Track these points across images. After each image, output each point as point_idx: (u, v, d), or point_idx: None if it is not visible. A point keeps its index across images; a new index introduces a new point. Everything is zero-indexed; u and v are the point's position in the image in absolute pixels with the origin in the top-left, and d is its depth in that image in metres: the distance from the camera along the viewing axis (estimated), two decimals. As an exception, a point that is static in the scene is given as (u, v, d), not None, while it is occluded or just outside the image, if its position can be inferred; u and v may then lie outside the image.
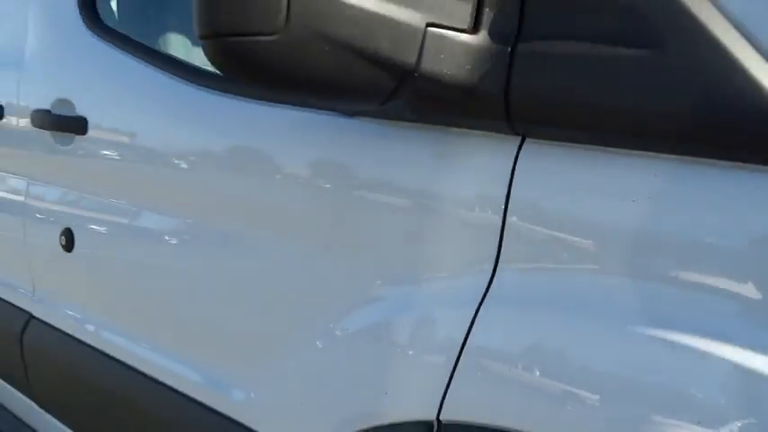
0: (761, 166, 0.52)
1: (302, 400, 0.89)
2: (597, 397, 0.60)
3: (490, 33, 0.63)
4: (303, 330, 0.88)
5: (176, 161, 1.13)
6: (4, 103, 1.48)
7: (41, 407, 1.56)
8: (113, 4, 1.34)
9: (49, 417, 1.54)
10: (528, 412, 0.64)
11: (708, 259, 0.56)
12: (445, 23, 0.62)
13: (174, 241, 1.18)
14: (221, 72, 0.63)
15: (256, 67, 0.59)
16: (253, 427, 0.97)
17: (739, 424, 0.51)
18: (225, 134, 0.98)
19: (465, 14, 0.62)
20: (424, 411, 0.71)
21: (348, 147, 0.81)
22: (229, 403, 1.01)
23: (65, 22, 1.33)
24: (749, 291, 0.54)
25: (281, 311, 0.93)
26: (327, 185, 0.86)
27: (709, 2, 0.54)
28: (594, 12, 0.59)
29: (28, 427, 1.75)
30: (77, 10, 1.30)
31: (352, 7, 0.57)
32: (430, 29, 0.61)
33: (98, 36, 1.26)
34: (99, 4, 1.29)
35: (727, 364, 0.53)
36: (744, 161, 0.53)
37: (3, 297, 1.65)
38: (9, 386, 1.72)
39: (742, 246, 0.55)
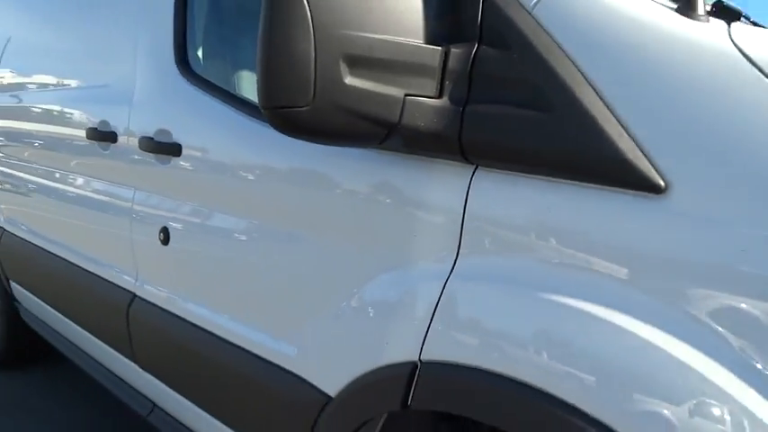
0: (610, 187, 0.83)
1: (333, 352, 1.23)
2: (518, 335, 0.91)
3: (449, 99, 0.95)
4: (332, 304, 1.22)
5: (245, 176, 1.50)
6: (118, 131, 1.91)
7: (142, 368, 1.97)
8: (201, 58, 1.72)
9: (148, 375, 1.95)
10: (475, 351, 0.96)
11: (581, 247, 0.86)
12: (419, 93, 0.94)
13: (243, 237, 1.54)
14: (277, 131, 0.97)
15: (297, 127, 0.94)
16: (300, 374, 1.31)
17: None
18: (279, 159, 1.34)
19: (432, 87, 0.95)
20: (411, 354, 1.04)
21: (363, 171, 1.15)
22: (282, 356, 1.36)
23: (164, 70, 1.73)
24: (606, 271, 0.84)
25: (318, 292, 1.27)
26: (350, 199, 1.20)
27: (586, 84, 0.84)
28: (513, 87, 0.90)
29: (129, 385, 2.18)
30: (174, 61, 1.70)
31: (355, 88, 0.91)
32: (408, 97, 0.94)
33: (189, 81, 1.65)
34: (190, 58, 1.69)
35: (587, 315, 0.83)
36: (600, 183, 0.84)
37: (112, 281, 2.08)
38: (115, 352, 2.15)
39: (598, 240, 0.85)
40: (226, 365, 1.55)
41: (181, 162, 1.65)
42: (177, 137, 1.65)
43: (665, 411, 0.75)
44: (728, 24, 0.85)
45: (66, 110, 2.35)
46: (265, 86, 0.94)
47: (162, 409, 1.97)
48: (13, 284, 3.09)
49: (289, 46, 0.89)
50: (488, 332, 0.96)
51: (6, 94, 3.02)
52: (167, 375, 1.84)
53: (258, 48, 0.93)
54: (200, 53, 1.72)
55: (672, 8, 0.85)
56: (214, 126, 1.56)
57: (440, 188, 1.02)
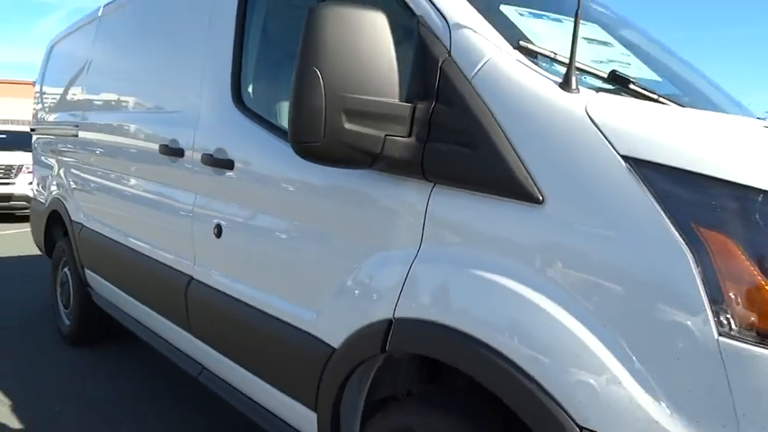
0: (511, 199, 1.27)
1: (337, 316, 1.69)
2: (455, 299, 1.36)
3: (415, 138, 1.41)
4: (339, 281, 1.68)
5: (280, 186, 1.98)
6: (185, 148, 2.43)
7: (195, 336, 2.46)
8: (251, 95, 2.22)
9: (200, 343, 2.44)
10: (429, 309, 1.40)
11: (494, 238, 1.30)
12: (395, 134, 1.41)
13: (278, 233, 2.01)
14: (300, 157, 1.45)
15: (312, 156, 1.41)
16: (316, 334, 1.77)
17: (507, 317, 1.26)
18: (304, 175, 1.81)
19: (404, 130, 1.41)
20: (388, 313, 1.49)
21: (359, 185, 1.61)
22: (303, 321, 1.83)
23: (223, 103, 2.24)
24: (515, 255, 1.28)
25: (330, 272, 1.73)
26: (350, 205, 1.67)
27: (500, 132, 1.29)
28: (455, 131, 1.36)
29: (183, 352, 2.68)
30: (230, 96, 2.21)
31: (351, 130, 1.38)
32: (387, 137, 1.40)
33: (241, 112, 2.15)
34: (242, 94, 2.19)
35: (495, 283, 1.27)
36: (505, 197, 1.28)
37: (173, 266, 2.59)
38: (173, 324, 2.65)
39: (504, 234, 1.29)
40: (262, 330, 2.02)
41: (233, 174, 2.15)
42: (231, 154, 2.15)
43: (543, 347, 1.19)
44: (597, 92, 1.29)
45: (143, 129, 2.91)
46: (293, 127, 1.42)
47: (209, 371, 2.47)
48: (88, 272, 3.67)
49: (308, 102, 1.37)
50: (437, 297, 1.41)
51: (90, 113, 3.62)
52: (216, 341, 2.32)
53: (289, 101, 1.42)
54: (250, 91, 2.22)
55: (557, 83, 1.29)
56: (259, 148, 2.05)
57: (410, 198, 1.48)
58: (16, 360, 3.72)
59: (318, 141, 1.38)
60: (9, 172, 10.04)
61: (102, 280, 3.45)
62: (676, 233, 1.05)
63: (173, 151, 2.49)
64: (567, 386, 1.14)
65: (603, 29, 1.89)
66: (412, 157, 1.42)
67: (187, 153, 2.41)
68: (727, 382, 0.99)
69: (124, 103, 3.29)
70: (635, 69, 1.69)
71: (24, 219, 9.98)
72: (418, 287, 1.45)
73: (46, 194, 4.43)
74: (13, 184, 9.98)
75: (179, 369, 2.69)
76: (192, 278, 2.44)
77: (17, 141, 11.39)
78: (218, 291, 2.26)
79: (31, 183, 9.84)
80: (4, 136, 11.73)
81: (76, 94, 3.92)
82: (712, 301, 1.01)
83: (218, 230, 2.23)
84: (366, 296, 1.59)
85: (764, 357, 0.97)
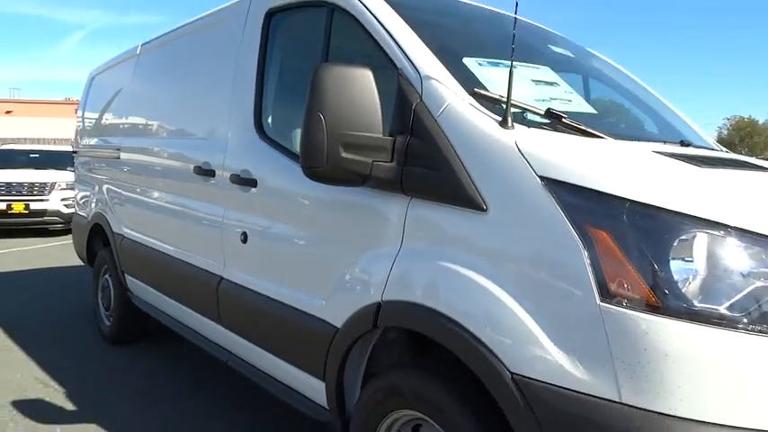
0: (464, 208, 1.71)
1: (341, 302, 2.13)
2: (424, 283, 1.80)
3: (396, 163, 1.86)
4: (342, 274, 2.13)
5: (294, 201, 2.43)
6: (216, 169, 2.90)
7: (225, 327, 2.92)
8: (270, 125, 2.68)
9: (230, 333, 2.89)
10: (407, 293, 1.84)
11: (452, 237, 1.75)
12: (380, 160, 1.86)
13: (294, 238, 2.46)
14: (308, 178, 1.91)
15: (318, 177, 1.87)
16: (323, 317, 2.22)
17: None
18: (313, 192, 2.27)
19: (387, 157, 1.87)
20: (378, 297, 1.94)
21: (354, 199, 2.07)
22: (314, 308, 2.27)
23: (247, 131, 2.71)
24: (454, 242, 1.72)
25: (336, 267, 2.17)
26: (350, 214, 2.12)
27: (456, 158, 1.73)
28: (424, 158, 1.81)
29: (215, 343, 3.13)
30: (253, 125, 2.68)
31: (347, 158, 1.83)
32: (374, 162, 1.86)
33: (262, 139, 2.63)
34: (263, 124, 2.66)
35: (453, 270, 1.71)
36: (460, 206, 1.72)
37: (206, 269, 3.05)
38: (205, 318, 3.11)
39: (459, 234, 1.73)
40: (281, 317, 2.47)
41: (256, 191, 2.62)
42: (255, 174, 2.62)
43: (483, 314, 1.62)
44: (528, 128, 1.73)
45: (178, 152, 3.40)
46: (303, 156, 1.87)
47: (236, 356, 2.92)
48: (128, 277, 4.17)
49: (315, 137, 1.83)
50: (413, 283, 1.85)
51: (131, 138, 4.14)
52: (242, 329, 2.78)
53: (300, 136, 1.88)
54: (269, 122, 2.69)
55: (497, 121, 1.73)
56: (277, 169, 2.52)
57: (393, 209, 1.93)
58: (64, 357, 4.21)
59: (322, 166, 1.84)
60: (43, 189, 10.65)
61: (141, 283, 3.94)
62: (574, 232, 1.49)
63: (205, 172, 2.97)
64: (502, 343, 1.57)
65: (555, 70, 2.33)
66: (393, 178, 1.87)
67: (218, 173, 2.89)
68: (605, 334, 1.41)
69: (161, 130, 3.79)
70: (575, 105, 2.13)
71: (57, 233, 10.66)
72: (400, 277, 1.89)
73: (88, 210, 4.96)
74: (47, 200, 10.60)
75: (207, 361, 3.14)
76: (222, 278, 2.90)
77: (50, 160, 12.10)
78: (244, 287, 2.72)
79: (63, 199, 10.57)
80: (38, 155, 12.42)
81: (117, 120, 4.45)
82: (596, 278, 1.44)
83: (244, 237, 2.70)
84: (361, 285, 2.03)
85: (631, 316, 1.39)
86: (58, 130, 42.39)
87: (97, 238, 4.84)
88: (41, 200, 10.56)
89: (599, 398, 1.41)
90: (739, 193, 1.62)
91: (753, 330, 1.35)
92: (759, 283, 1.39)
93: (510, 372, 1.55)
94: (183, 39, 3.65)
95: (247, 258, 2.72)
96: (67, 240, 10.00)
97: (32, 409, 3.33)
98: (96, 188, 4.79)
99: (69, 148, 13.18)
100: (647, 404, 1.36)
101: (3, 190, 10.39)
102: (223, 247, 2.89)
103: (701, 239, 1.41)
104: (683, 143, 2.29)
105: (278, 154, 2.51)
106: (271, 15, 2.73)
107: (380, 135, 1.86)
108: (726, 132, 65.42)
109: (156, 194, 3.72)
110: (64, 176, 11.03)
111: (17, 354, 4.26)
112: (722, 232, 1.41)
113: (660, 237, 1.42)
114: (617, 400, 1.39)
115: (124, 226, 4.17)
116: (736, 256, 1.41)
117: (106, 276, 4.62)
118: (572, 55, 2.74)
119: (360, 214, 2.07)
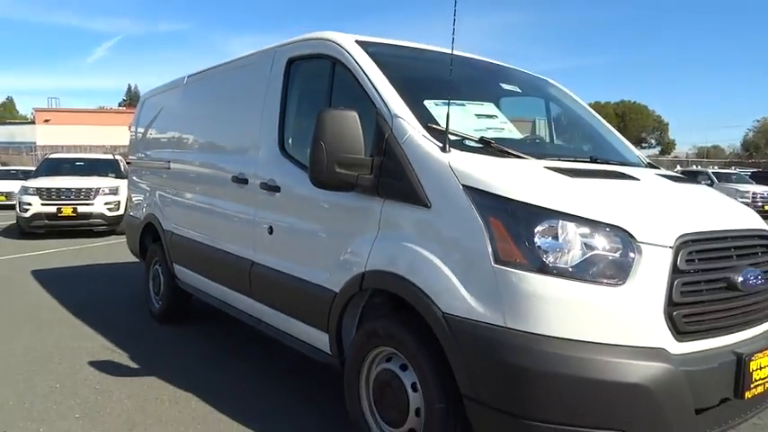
0: (415, 205, 2.57)
1: (339, 273, 2.98)
2: (391, 257, 2.65)
3: (373, 175, 2.73)
4: (341, 254, 2.98)
5: (307, 201, 3.29)
6: (249, 178, 3.79)
7: (256, 300, 3.80)
8: (290, 145, 3.55)
9: (259, 304, 3.77)
10: (382, 263, 2.70)
11: (407, 226, 2.60)
12: (363, 174, 2.72)
13: (307, 230, 3.32)
14: (314, 186, 2.78)
15: (321, 185, 2.75)
16: (327, 286, 3.07)
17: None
18: (320, 195, 3.12)
19: (368, 171, 2.73)
20: (362, 268, 2.79)
21: (346, 201, 2.92)
22: (321, 280, 3.12)
23: (273, 148, 3.59)
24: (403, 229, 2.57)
25: (336, 250, 3.02)
26: (344, 212, 2.98)
27: (412, 171, 2.59)
28: (392, 172, 2.66)
29: (247, 313, 4.02)
30: (277, 144, 3.56)
31: (340, 172, 2.70)
32: (359, 175, 2.72)
33: (284, 156, 3.51)
34: (285, 144, 3.54)
35: (407, 247, 2.57)
36: (414, 204, 2.58)
37: (240, 255, 3.93)
38: (240, 294, 3.99)
39: (411, 223, 2.58)
40: (298, 288, 3.32)
41: (279, 195, 3.49)
42: (279, 182, 3.50)
43: (424, 274, 2.46)
44: (461, 151, 2.57)
45: (218, 164, 4.31)
46: (310, 170, 2.75)
47: (264, 321, 3.80)
48: (175, 266, 5.09)
49: (318, 158, 2.69)
50: (385, 257, 2.69)
51: (179, 152, 5.07)
52: (269, 300, 3.65)
53: (309, 156, 2.75)
54: (290, 142, 3.56)
55: (440, 147, 2.57)
56: (294, 178, 3.39)
57: (373, 207, 2.78)
58: (123, 331, 5.14)
59: (323, 178, 2.70)
60: (89, 194, 11.74)
61: (187, 270, 4.86)
62: (480, 221, 2.32)
63: (240, 180, 3.86)
64: (437, 294, 2.40)
65: (497, 105, 3.16)
66: (372, 186, 2.72)
67: (250, 181, 3.78)
68: (497, 285, 2.24)
69: (204, 146, 4.72)
70: (506, 132, 2.96)
71: (101, 234, 11.77)
72: (376, 254, 2.74)
73: (140, 212, 5.92)
74: (92, 204, 11.68)
75: (236, 336, 3.99)
76: (253, 262, 3.78)
77: (94, 168, 13.26)
78: (270, 268, 3.59)
79: (106, 203, 11.66)
80: (82, 163, 13.56)
81: (167, 137, 5.40)
82: (492, 250, 2.26)
83: (270, 230, 3.58)
84: (352, 262, 2.88)
85: (512, 273, 2.21)
86: (93, 138, 44.40)
87: (148, 235, 5.78)
88: (87, 204, 11.64)
89: (493, 324, 2.24)
90: (588, 193, 2.43)
91: (587, 280, 2.18)
92: (591, 252, 2.21)
93: (442, 311, 2.38)
94: (223, 74, 4.57)
95: (272, 246, 3.60)
96: (111, 240, 11.15)
97: (104, 367, 4.24)
98: (148, 193, 5.75)
99: (110, 157, 14.44)
100: (519, 326, 2.19)
101: (53, 195, 11.52)
102: (254, 238, 3.77)
103: (556, 224, 2.24)
104: (592, 159, 3.10)
105: (294, 167, 3.38)
106: (291, 62, 3.61)
107: (363, 156, 2.71)
108: (751, 135, 64.86)
109: (199, 198, 4.63)
110: (106, 182, 12.16)
111: (87, 329, 5.22)
112: (570, 219, 2.24)
113: (529, 222, 2.25)
114: (502, 325, 2.22)
115: (173, 224, 5.10)
116: (578, 234, 2.23)
117: (156, 266, 5.55)
118: (519, 90, 3.57)
119: (350, 211, 2.94)
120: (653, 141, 66.60)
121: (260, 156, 3.74)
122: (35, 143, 47.93)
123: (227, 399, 3.68)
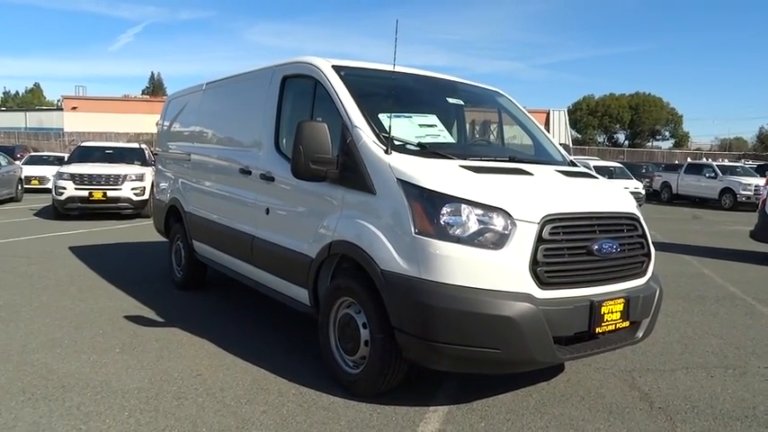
0: (366, 193, 3.54)
1: (315, 243, 3.95)
2: (349, 231, 3.63)
3: (337, 169, 3.70)
4: (318, 228, 3.96)
5: (293, 188, 4.26)
6: (252, 170, 4.80)
7: (256, 267, 4.80)
8: (283, 145, 4.52)
9: (258, 270, 4.78)
10: (344, 234, 3.67)
11: (361, 207, 3.57)
12: (331, 169, 3.70)
13: (294, 211, 4.30)
14: (295, 177, 3.76)
15: (300, 177, 3.74)
16: (307, 253, 4.05)
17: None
18: (301, 184, 4.08)
19: (334, 167, 3.71)
20: (331, 238, 3.77)
21: (319, 189, 3.89)
22: (303, 248, 4.10)
23: (271, 147, 4.57)
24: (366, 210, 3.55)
25: (313, 225, 3.99)
26: (316, 197, 3.96)
27: (365, 166, 3.56)
28: (350, 167, 3.64)
29: (248, 277, 5.03)
30: (273, 144, 4.54)
31: (313, 167, 3.68)
32: (328, 170, 3.70)
33: (278, 153, 4.49)
34: (279, 144, 4.52)
35: (360, 223, 3.54)
36: (364, 192, 3.55)
37: (243, 230, 4.94)
38: (243, 263, 5.00)
39: (359, 204, 3.55)
40: (286, 256, 4.30)
41: (275, 183, 4.48)
42: (274, 174, 4.48)
43: (368, 240, 3.43)
44: (400, 153, 3.53)
45: (230, 158, 5.32)
46: (292, 166, 3.73)
47: (261, 283, 4.81)
48: (194, 241, 6.13)
49: (297, 157, 3.67)
50: (344, 230, 3.66)
51: (198, 145, 6.10)
52: (266, 266, 4.65)
53: (291, 155, 3.73)
54: (283, 143, 4.54)
55: (384, 150, 3.52)
56: (285, 171, 4.34)
57: (338, 194, 3.75)
58: (150, 295, 6.20)
59: (301, 172, 3.68)
60: (117, 180, 12.86)
61: (203, 245, 5.89)
62: (407, 204, 3.27)
63: (246, 171, 4.86)
64: (377, 256, 3.36)
65: (439, 116, 4.10)
66: (337, 178, 3.68)
67: (253, 173, 4.77)
68: (416, 248, 3.20)
69: (219, 142, 5.73)
70: (442, 138, 3.90)
71: (128, 217, 12.94)
72: (339, 228, 3.71)
73: (166, 196, 6.96)
74: (120, 189, 12.81)
75: (242, 298, 5.03)
76: (254, 236, 4.78)
77: (121, 155, 14.41)
78: (267, 241, 4.58)
79: (133, 189, 12.79)
80: (111, 151, 14.71)
81: (189, 133, 6.43)
82: (413, 224, 3.22)
83: (267, 211, 4.57)
84: (324, 234, 3.85)
85: (425, 240, 3.17)
86: (117, 125, 45.95)
87: (172, 216, 6.83)
88: (116, 189, 12.77)
89: (412, 276, 3.20)
90: (484, 184, 3.36)
91: (476, 245, 3.13)
92: (481, 226, 3.16)
93: (380, 268, 3.35)
94: (235, 84, 5.57)
95: (268, 223, 4.58)
96: (137, 223, 12.32)
97: (137, 320, 5.30)
98: (172, 180, 6.79)
99: (136, 145, 15.59)
100: (428, 277, 3.15)
101: (85, 180, 12.67)
102: (255, 217, 4.76)
103: (456, 206, 3.19)
104: (511, 158, 4.03)
105: (285, 162, 4.35)
106: (285, 79, 4.58)
107: (330, 156, 3.68)
108: (767, 128, 64.57)
109: (214, 185, 5.65)
110: (133, 170, 13.28)
111: (120, 292, 6.29)
112: (466, 203, 3.19)
113: (437, 205, 3.20)
114: (417, 276, 3.18)
115: (192, 206, 6.14)
116: (472, 214, 3.18)
117: (178, 242, 6.60)
118: (462, 102, 4.50)
119: (322, 196, 3.91)
120: (667, 134, 66.34)
121: (261, 152, 4.72)
122: (63, 129, 49.72)
123: (234, 342, 4.70)
